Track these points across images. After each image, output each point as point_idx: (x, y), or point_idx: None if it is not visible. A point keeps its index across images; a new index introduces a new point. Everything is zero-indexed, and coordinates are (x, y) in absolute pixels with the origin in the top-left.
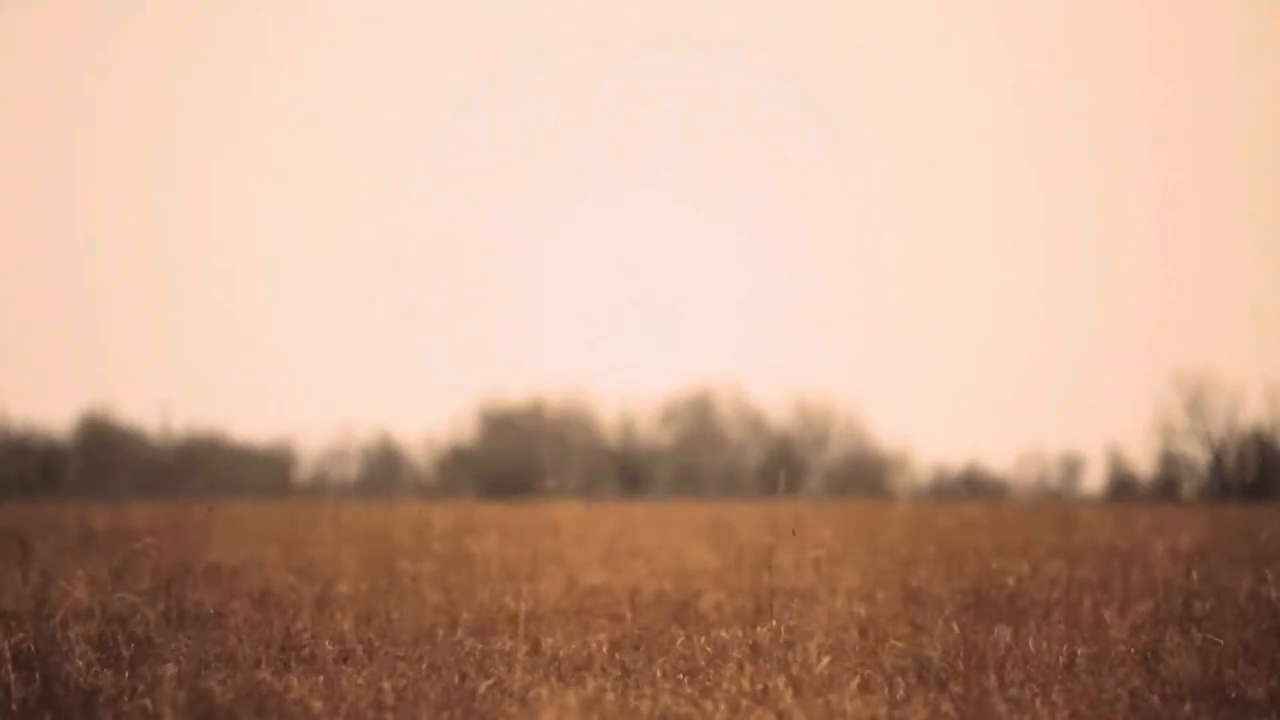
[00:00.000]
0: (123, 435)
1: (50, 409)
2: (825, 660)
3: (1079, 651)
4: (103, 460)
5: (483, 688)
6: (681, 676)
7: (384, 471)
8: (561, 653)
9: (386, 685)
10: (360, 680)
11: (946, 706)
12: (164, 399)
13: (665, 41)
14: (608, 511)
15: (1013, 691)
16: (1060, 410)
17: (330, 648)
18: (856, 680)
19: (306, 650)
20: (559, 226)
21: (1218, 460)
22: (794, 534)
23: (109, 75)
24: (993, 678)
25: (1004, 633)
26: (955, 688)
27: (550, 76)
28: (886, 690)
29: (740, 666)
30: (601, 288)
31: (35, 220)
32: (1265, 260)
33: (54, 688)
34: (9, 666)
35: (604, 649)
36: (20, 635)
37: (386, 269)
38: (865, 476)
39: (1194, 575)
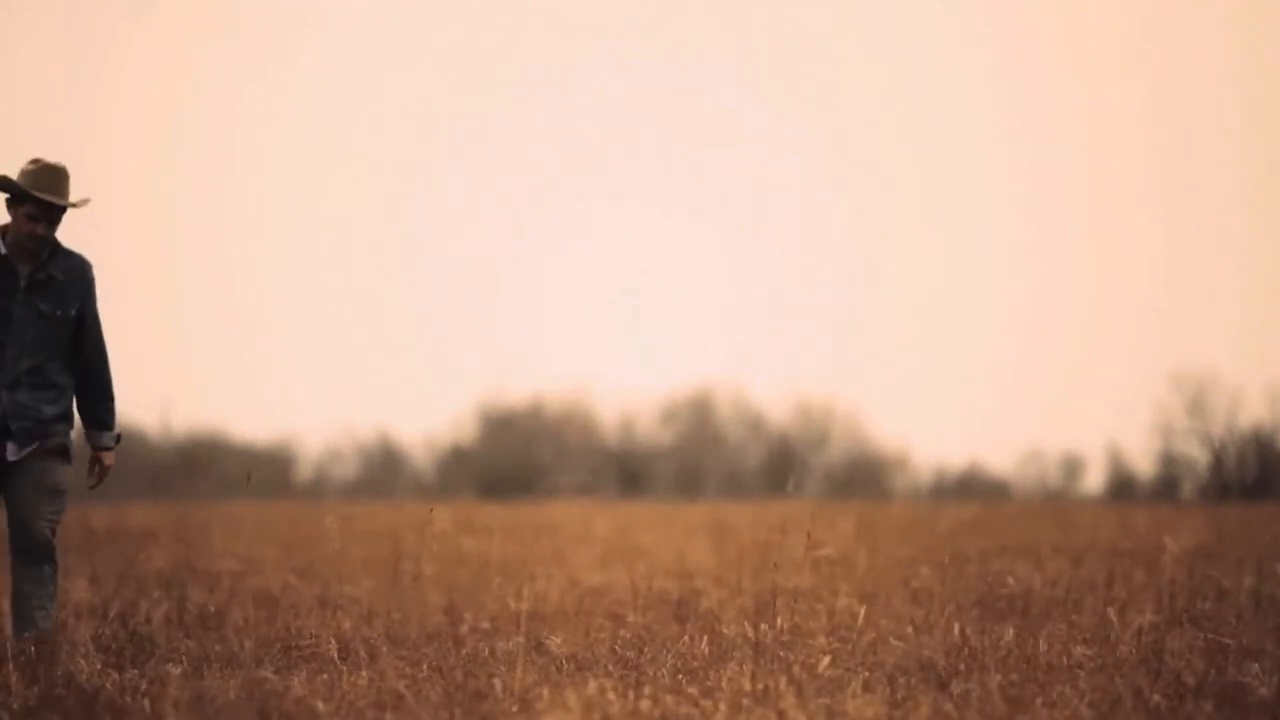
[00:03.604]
0: (122, 435)
1: None
2: (826, 660)
3: (1081, 651)
4: None
5: (485, 687)
6: (683, 676)
7: (384, 471)
8: (563, 652)
9: (388, 685)
10: (362, 680)
11: (948, 707)
12: (164, 399)
13: (663, 41)
14: (608, 511)
15: (1014, 691)
16: (1060, 410)
17: (332, 647)
18: (858, 680)
19: (309, 650)
20: (559, 226)
21: (1218, 460)
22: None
23: (110, 73)
24: (994, 678)
25: (1005, 632)
26: (956, 688)
27: (550, 77)
28: (888, 690)
29: (741, 666)
30: (601, 288)
31: None
32: (1265, 260)
33: (55, 688)
34: (10, 666)
35: (606, 649)
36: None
37: (386, 269)
38: (865, 476)
39: (1196, 575)
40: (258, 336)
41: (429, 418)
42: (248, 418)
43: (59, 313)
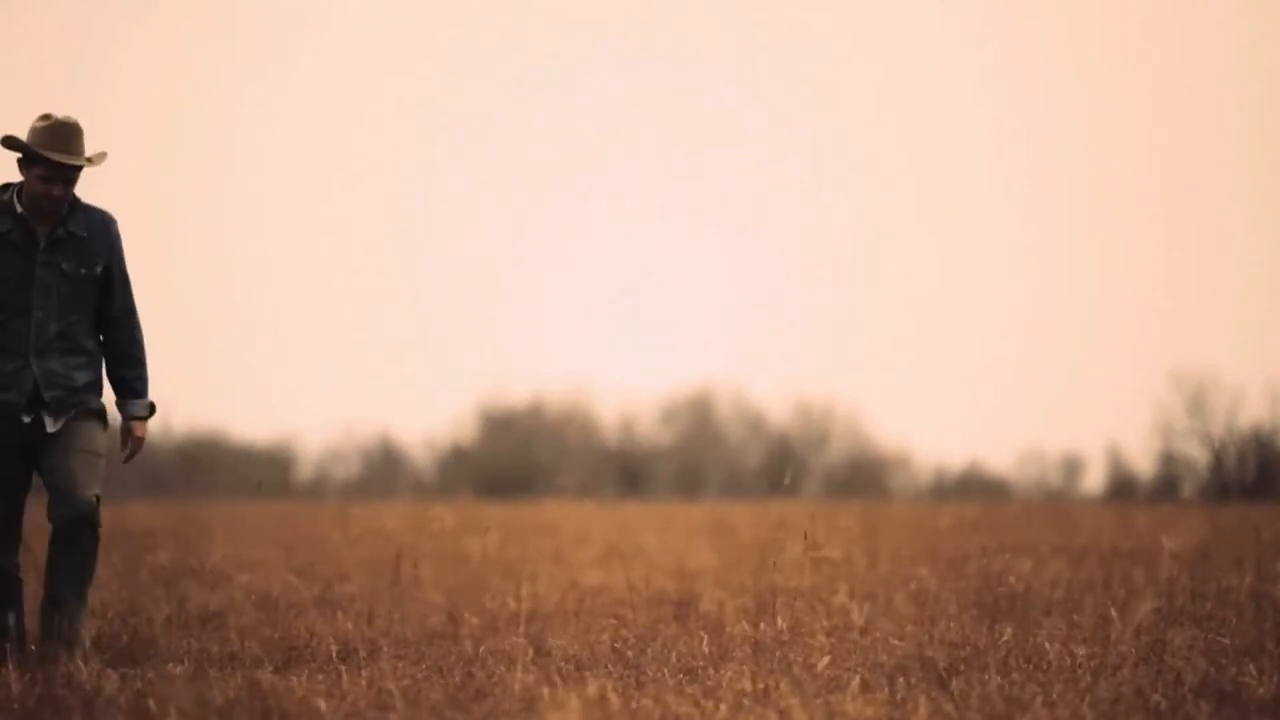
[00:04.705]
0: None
1: None
2: (826, 660)
3: (1081, 651)
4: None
5: (485, 687)
6: (683, 676)
7: (384, 471)
8: (563, 653)
9: (389, 685)
10: (362, 680)
11: (948, 707)
12: (164, 399)
13: (663, 41)
14: (608, 511)
15: (1014, 691)
16: (1060, 410)
17: (333, 647)
18: (857, 680)
19: (308, 650)
20: (559, 226)
21: (1218, 460)
22: (805, 536)
23: (110, 73)
24: (994, 677)
25: (1005, 632)
26: (956, 687)
27: (550, 77)
28: (888, 690)
29: (741, 666)
30: (601, 288)
31: None
32: (1265, 260)
33: (55, 688)
34: (9, 665)
35: (606, 649)
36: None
37: (386, 269)
38: (865, 476)
39: (1196, 575)
40: (258, 336)
41: (429, 418)
42: (248, 418)
43: (83, 271)
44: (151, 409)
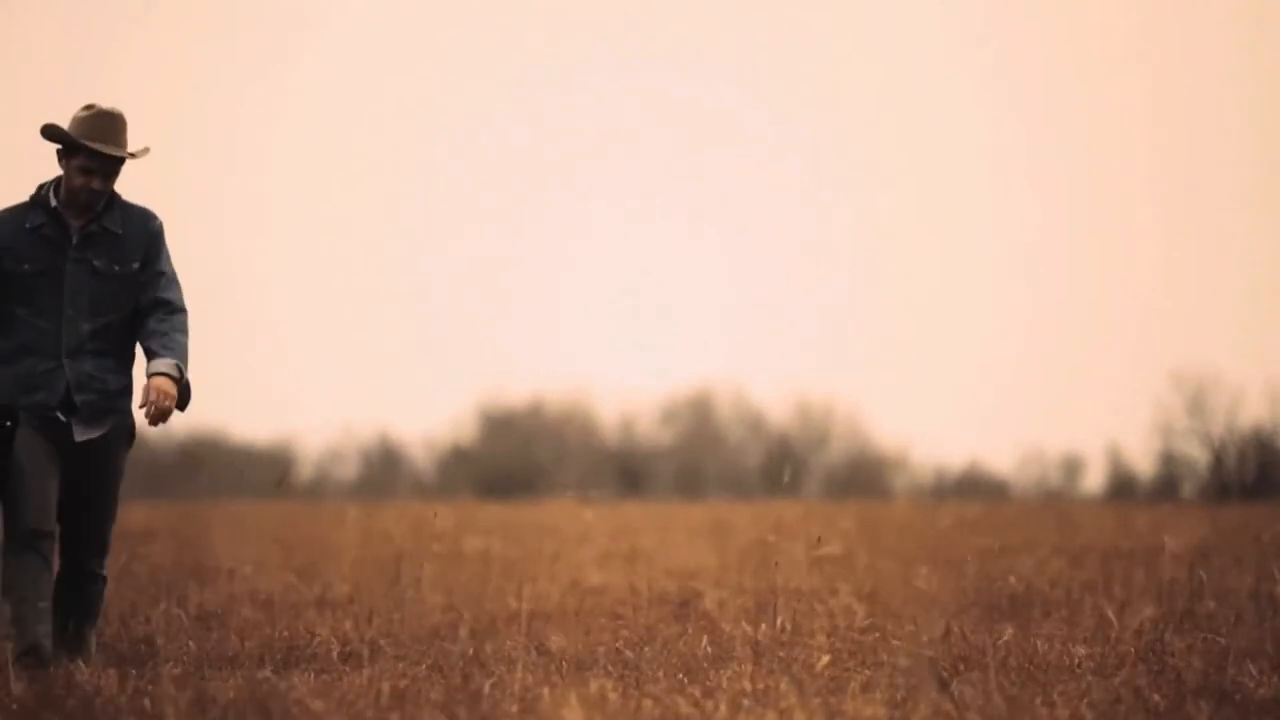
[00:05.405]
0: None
1: None
2: (826, 660)
3: (1081, 651)
4: None
5: (485, 687)
6: (683, 676)
7: (384, 471)
8: (563, 653)
9: (389, 685)
10: (362, 680)
11: (948, 707)
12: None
13: (663, 41)
14: (608, 512)
15: (1014, 691)
16: (1060, 410)
17: (333, 648)
18: (857, 680)
19: (309, 650)
20: (558, 226)
21: (1218, 460)
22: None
23: (110, 73)
24: (994, 677)
25: (1005, 632)
26: (956, 688)
27: (550, 77)
28: (888, 690)
29: (741, 666)
30: (601, 288)
31: None
32: (1265, 260)
33: (55, 688)
34: (10, 666)
35: (606, 649)
36: None
37: (387, 269)
38: (865, 476)
39: (1196, 575)
40: (258, 336)
41: (429, 418)
42: (248, 418)
43: (116, 269)
44: (181, 374)
